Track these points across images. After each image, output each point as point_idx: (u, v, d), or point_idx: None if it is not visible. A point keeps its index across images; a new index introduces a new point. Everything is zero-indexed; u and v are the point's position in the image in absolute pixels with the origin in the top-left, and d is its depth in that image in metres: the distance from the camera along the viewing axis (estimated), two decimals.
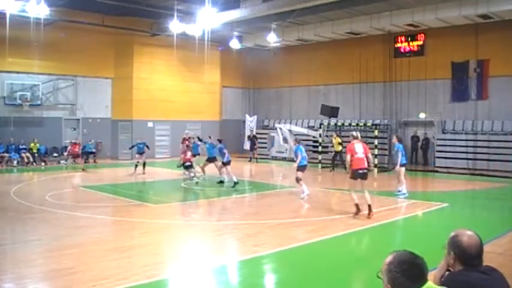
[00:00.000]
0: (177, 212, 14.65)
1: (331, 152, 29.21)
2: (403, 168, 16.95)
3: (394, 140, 17.54)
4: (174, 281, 7.95)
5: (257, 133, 33.55)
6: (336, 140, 25.39)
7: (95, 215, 13.20)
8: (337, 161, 25.90)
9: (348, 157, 12.98)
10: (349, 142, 13.35)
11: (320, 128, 28.77)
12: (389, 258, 2.77)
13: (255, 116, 34.11)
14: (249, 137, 30.17)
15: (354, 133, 13.54)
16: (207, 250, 9.84)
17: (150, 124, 31.63)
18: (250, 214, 14.21)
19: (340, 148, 25.16)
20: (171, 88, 32.29)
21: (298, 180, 15.94)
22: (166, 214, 14.07)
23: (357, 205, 12.64)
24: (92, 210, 13.88)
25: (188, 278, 8.08)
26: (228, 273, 8.59)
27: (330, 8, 24.15)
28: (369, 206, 12.51)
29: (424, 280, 2.71)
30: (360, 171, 12.69)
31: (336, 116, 29.24)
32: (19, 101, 26.99)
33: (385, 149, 26.98)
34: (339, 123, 29.28)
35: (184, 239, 10.75)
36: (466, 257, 3.13)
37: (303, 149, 16.40)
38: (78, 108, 30.15)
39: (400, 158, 16.73)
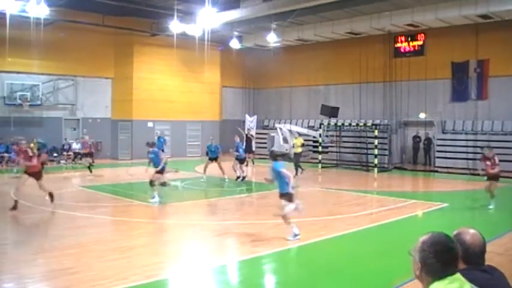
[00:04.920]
0: (176, 212, 14.64)
1: (332, 152, 29.28)
2: None
3: None
4: (173, 281, 7.96)
5: (257, 133, 33.54)
6: (298, 140, 23.97)
7: (94, 215, 13.20)
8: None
9: None
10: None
11: (320, 128, 28.78)
12: (424, 237, 2.75)
13: (255, 116, 34.10)
14: (247, 136, 29.26)
15: None
16: (206, 250, 9.84)
17: (150, 124, 31.59)
18: (250, 214, 14.22)
19: (300, 150, 23.45)
20: (171, 88, 32.27)
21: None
22: (166, 214, 14.07)
23: None
24: (91, 210, 13.89)
25: (188, 278, 8.08)
26: (228, 273, 8.60)
27: (330, 8, 24.14)
28: None
29: (455, 267, 2.71)
30: None
31: (336, 116, 29.26)
32: (19, 101, 27.00)
33: (385, 149, 26.97)
34: (339, 123, 29.29)
35: (184, 239, 10.75)
36: (469, 255, 3.12)
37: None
38: (78, 108, 30.14)
39: None
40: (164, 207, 15.05)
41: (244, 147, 22.24)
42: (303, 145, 24.01)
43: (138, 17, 28.51)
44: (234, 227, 11.80)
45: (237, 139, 21.00)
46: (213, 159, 20.79)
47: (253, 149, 28.33)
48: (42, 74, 28.19)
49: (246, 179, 20.84)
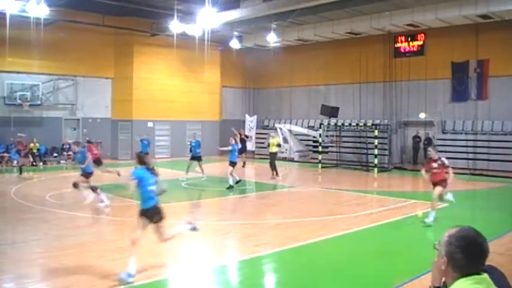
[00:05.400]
0: (176, 211, 14.62)
1: (332, 152, 29.29)
2: None
3: None
4: (174, 281, 7.96)
5: (257, 133, 33.55)
6: (274, 140, 23.19)
7: (94, 215, 13.22)
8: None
9: None
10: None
11: (320, 128, 28.79)
12: (452, 231, 2.65)
13: (255, 116, 34.12)
14: (240, 135, 27.71)
15: None
16: (207, 250, 9.84)
17: (150, 124, 31.61)
18: (250, 214, 14.22)
19: (276, 150, 22.73)
20: (171, 88, 32.28)
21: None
22: (166, 214, 14.06)
23: None
24: (91, 210, 13.89)
25: (188, 278, 8.09)
26: (228, 273, 8.60)
27: (330, 8, 24.15)
28: None
29: (483, 264, 2.60)
30: None
31: (336, 116, 29.29)
32: (19, 101, 27.01)
33: (385, 149, 26.96)
34: (339, 123, 29.30)
35: (184, 239, 10.72)
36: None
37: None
38: (78, 108, 30.14)
39: None
40: (164, 207, 15.01)
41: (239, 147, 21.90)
42: (279, 145, 23.55)
43: (138, 17, 28.52)
44: (234, 227, 11.80)
45: (232, 141, 19.62)
46: (195, 158, 20.73)
47: (248, 149, 28.21)
48: (42, 73, 28.21)
49: (243, 179, 20.83)
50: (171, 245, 9.99)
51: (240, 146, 22.32)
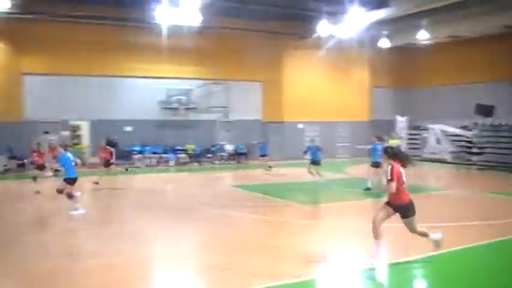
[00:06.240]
0: (325, 212, 14.60)
1: (488, 153, 27.39)
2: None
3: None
4: (321, 282, 7.88)
5: (409, 133, 32.39)
6: (394, 141, 21.67)
7: (245, 214, 13.53)
8: None
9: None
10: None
11: (475, 128, 27.12)
12: None
13: (406, 116, 33.04)
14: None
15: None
16: (354, 252, 9.65)
17: (300, 125, 31.99)
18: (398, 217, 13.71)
19: None
20: (320, 89, 32.33)
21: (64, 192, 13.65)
22: (315, 215, 14.09)
23: None
24: (242, 209, 14.25)
25: (335, 279, 7.97)
26: (377, 275, 8.34)
27: (483, 1, 22.64)
28: None
29: None
30: None
31: (491, 116, 27.39)
32: (175, 105, 28.98)
33: None
34: (495, 123, 27.35)
35: (332, 240, 10.65)
36: None
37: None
38: (230, 111, 31.37)
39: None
40: (313, 208, 15.09)
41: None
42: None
43: (286, 21, 28.89)
44: (384, 230, 11.47)
45: (374, 139, 18.48)
46: (315, 162, 19.97)
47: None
48: (196, 79, 29.82)
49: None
50: (319, 245, 9.94)
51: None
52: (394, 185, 8.26)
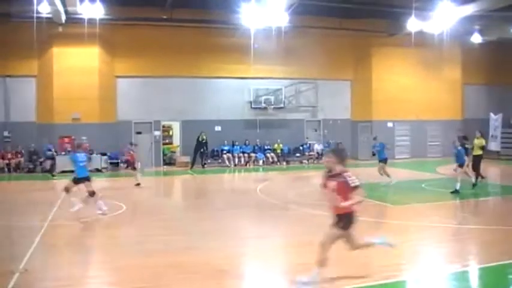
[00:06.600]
0: (416, 213, 14.22)
1: None
2: None
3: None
4: (411, 284, 7.71)
5: (503, 132, 30.80)
6: (479, 141, 19.13)
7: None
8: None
9: None
10: None
11: None
12: None
13: (500, 114, 31.37)
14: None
15: None
16: (445, 254, 9.34)
17: (389, 124, 31.39)
18: (493, 219, 13.13)
19: (480, 152, 19.02)
20: (409, 88, 31.53)
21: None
22: (405, 215, 13.77)
23: None
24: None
25: (426, 281, 7.76)
26: (469, 279, 8.03)
27: None
28: None
29: None
30: None
31: None
32: (264, 105, 29.34)
33: None
34: None
35: (423, 241, 10.37)
36: None
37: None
38: (319, 110, 31.28)
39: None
40: (403, 208, 14.77)
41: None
42: (482, 148, 19.33)
43: (374, 18, 28.39)
44: (473, 232, 11.04)
45: (457, 143, 17.44)
46: (382, 161, 19.46)
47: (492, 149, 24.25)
48: (285, 78, 29.97)
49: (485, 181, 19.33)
50: (409, 246, 9.74)
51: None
52: None
